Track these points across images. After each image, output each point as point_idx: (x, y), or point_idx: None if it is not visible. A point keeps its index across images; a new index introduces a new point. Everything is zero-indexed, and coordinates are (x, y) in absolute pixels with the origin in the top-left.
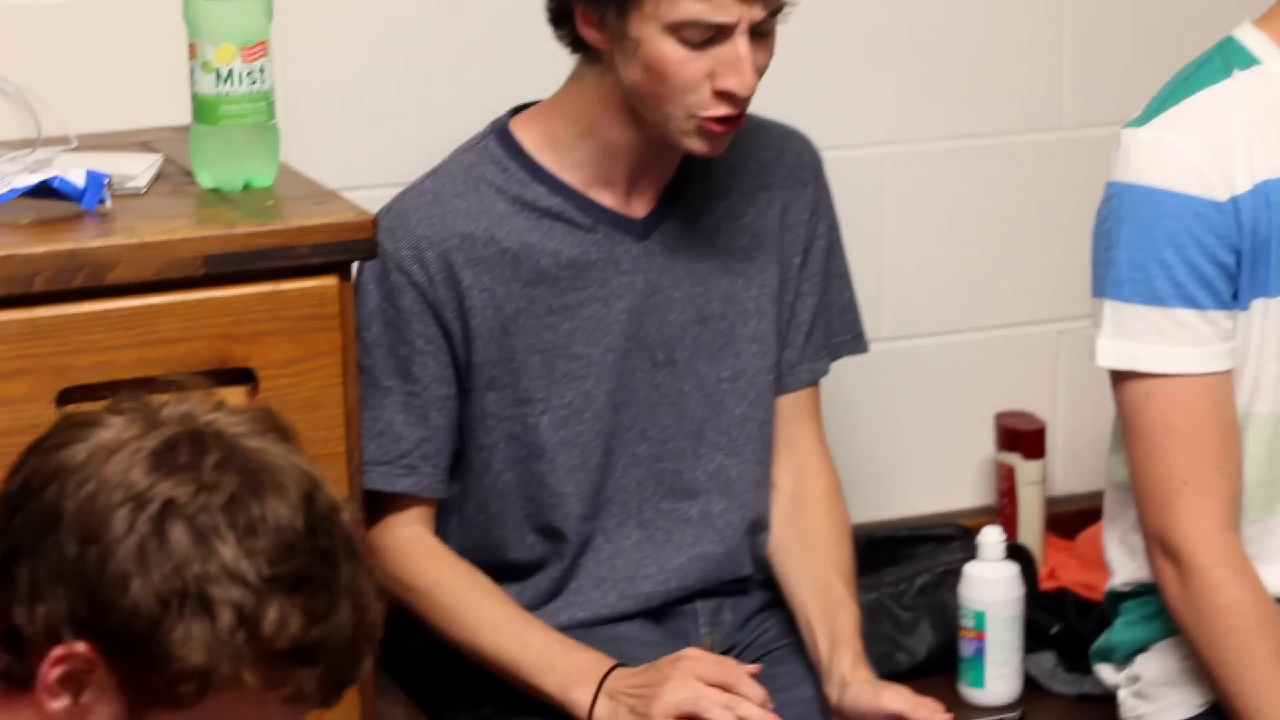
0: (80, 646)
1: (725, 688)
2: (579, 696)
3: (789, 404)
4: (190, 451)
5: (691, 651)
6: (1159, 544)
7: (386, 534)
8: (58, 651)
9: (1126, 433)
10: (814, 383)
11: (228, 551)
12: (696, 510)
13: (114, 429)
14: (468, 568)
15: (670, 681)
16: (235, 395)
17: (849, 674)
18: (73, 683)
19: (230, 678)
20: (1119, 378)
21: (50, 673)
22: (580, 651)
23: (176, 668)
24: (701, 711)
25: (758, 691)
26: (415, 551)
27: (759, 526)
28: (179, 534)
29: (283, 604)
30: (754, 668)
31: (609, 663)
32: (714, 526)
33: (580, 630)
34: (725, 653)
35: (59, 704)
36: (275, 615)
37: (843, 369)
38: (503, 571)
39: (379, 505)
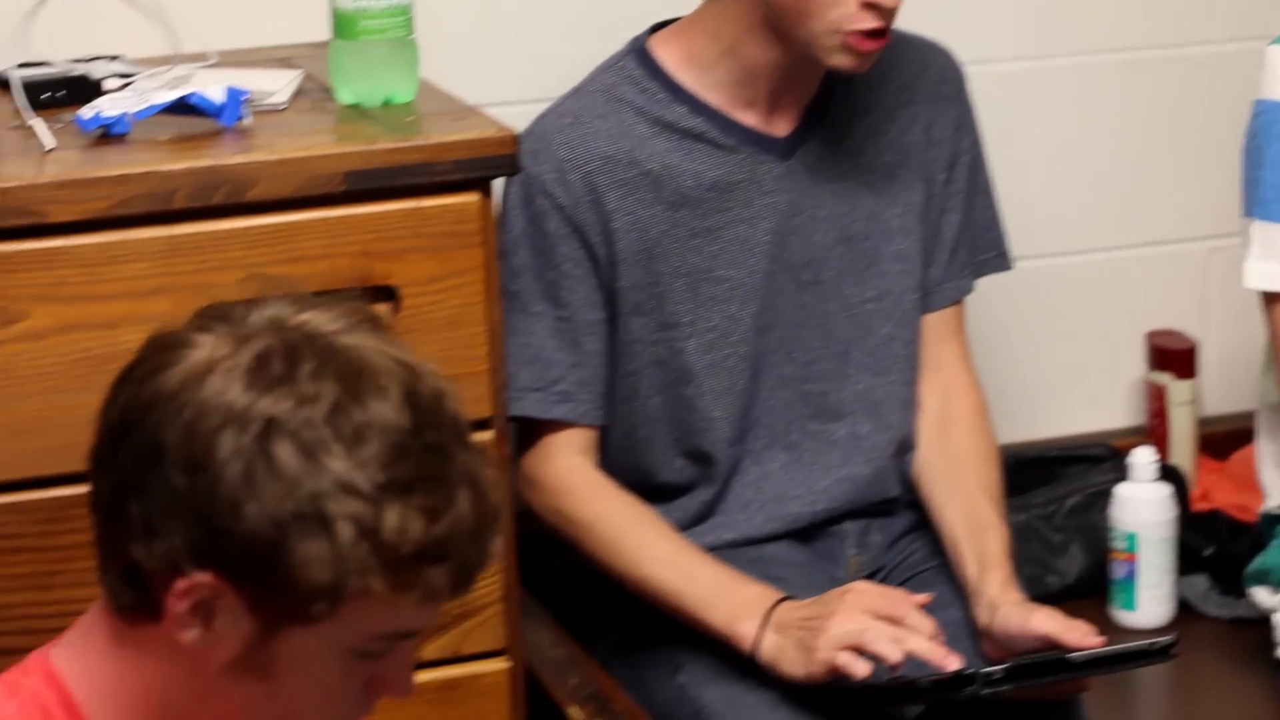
0: (204, 576)
1: (893, 620)
2: (745, 630)
3: (934, 323)
4: (285, 362)
5: (859, 585)
6: None
7: (547, 465)
8: (182, 584)
9: (1278, 356)
10: (958, 301)
11: (338, 464)
12: (843, 432)
13: (204, 349)
14: (630, 500)
15: (837, 615)
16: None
17: (998, 596)
18: (202, 612)
19: (359, 589)
20: (1269, 299)
21: (178, 605)
22: (747, 585)
23: (303, 588)
24: (868, 644)
25: (926, 623)
26: (577, 484)
27: (906, 447)
28: (286, 453)
29: (401, 508)
30: (923, 598)
31: (775, 595)
32: (861, 448)
33: (727, 551)
34: (872, 575)
35: (191, 634)
36: (395, 521)
37: (991, 288)
38: (650, 495)
39: (537, 436)
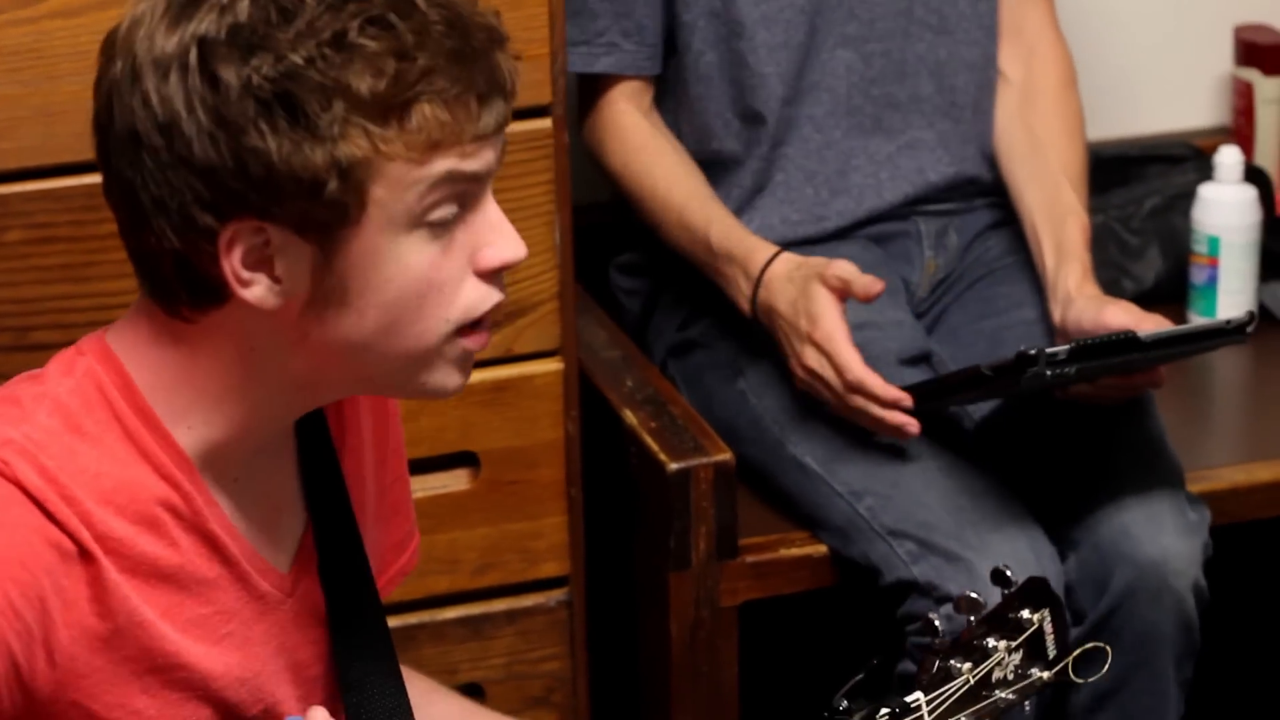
0: (233, 226)
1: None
2: (742, 303)
3: None
4: None
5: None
6: None
7: (600, 118)
8: (223, 244)
9: None
10: None
11: (278, 47)
12: (906, 94)
13: (126, 20)
14: (656, 148)
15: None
16: None
17: (1075, 290)
18: (258, 261)
19: (367, 153)
20: None
21: (234, 266)
22: (740, 247)
23: (308, 178)
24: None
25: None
26: (625, 130)
27: (979, 116)
28: (226, 65)
29: (360, 57)
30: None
31: (761, 261)
32: (923, 111)
33: (803, 248)
34: (945, 279)
35: (260, 290)
36: (359, 71)
37: None
38: (709, 166)
39: (595, 94)
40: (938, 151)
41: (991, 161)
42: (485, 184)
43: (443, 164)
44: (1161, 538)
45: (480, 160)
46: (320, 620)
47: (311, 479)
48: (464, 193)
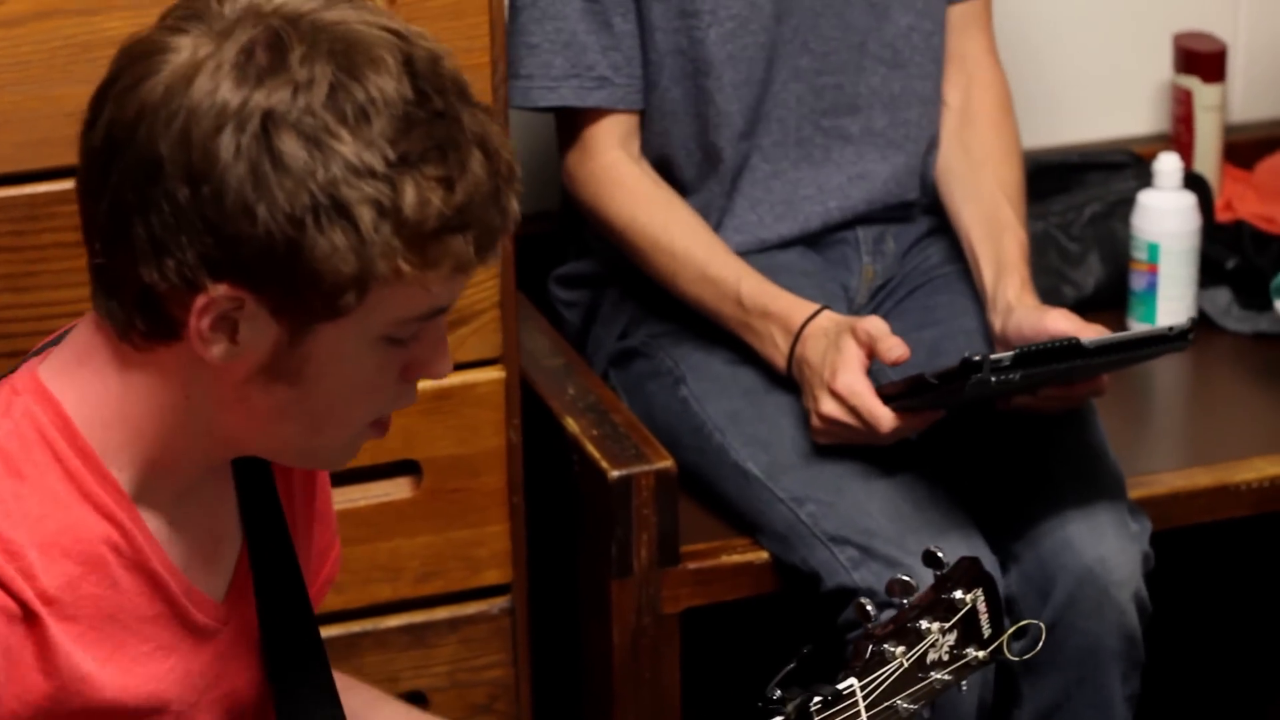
0: (221, 289)
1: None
2: (778, 360)
3: (958, 14)
4: (271, 50)
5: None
6: None
7: (587, 161)
8: (200, 301)
9: None
10: None
11: (346, 148)
12: (858, 127)
13: (185, 50)
14: (667, 199)
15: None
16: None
17: (1015, 299)
18: (225, 324)
19: (387, 273)
20: None
21: (200, 322)
22: (777, 302)
23: (330, 281)
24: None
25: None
26: (613, 182)
27: (927, 148)
28: (290, 144)
29: (417, 181)
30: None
31: (803, 316)
32: (876, 145)
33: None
34: (885, 285)
35: (217, 349)
36: (414, 197)
37: None
38: None
39: (578, 127)
40: (889, 184)
41: (933, 187)
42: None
43: (440, 291)
44: (1102, 548)
45: (458, 289)
46: (254, 646)
47: (247, 501)
48: (436, 312)
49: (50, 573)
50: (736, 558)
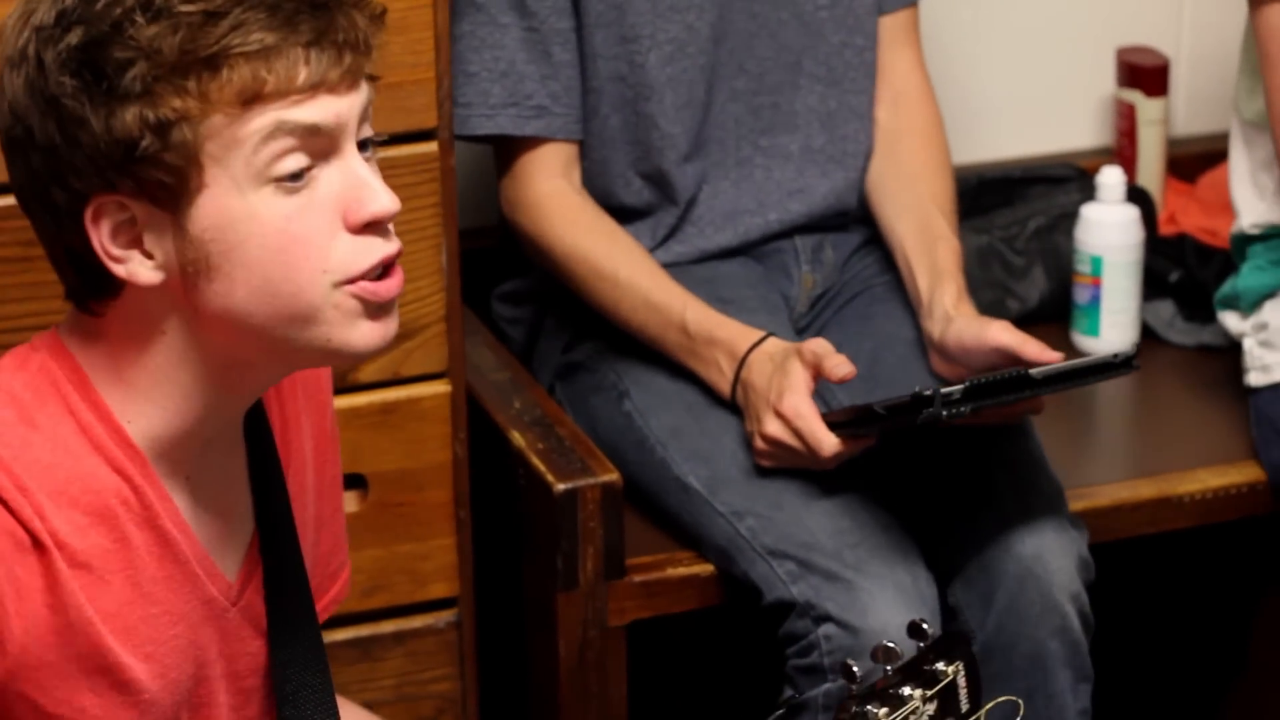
0: (93, 203)
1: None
2: (721, 385)
3: (886, 27)
4: None
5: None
6: None
7: (526, 189)
8: (87, 219)
9: (1264, 62)
10: (914, 3)
11: (92, 18)
12: (796, 145)
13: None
14: (608, 228)
15: (768, 421)
16: None
17: (952, 308)
18: (127, 237)
19: (183, 114)
20: (1256, 2)
21: (101, 243)
22: (721, 330)
23: (134, 144)
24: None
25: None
26: (556, 209)
27: (867, 161)
28: (47, 50)
29: (168, 21)
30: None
31: (747, 344)
32: (815, 161)
33: (679, 269)
34: (823, 294)
35: (133, 265)
36: (167, 33)
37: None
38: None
39: (515, 155)
40: (829, 199)
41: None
42: (339, 138)
43: (267, 116)
44: (1043, 553)
45: (318, 111)
46: (260, 632)
47: (260, 489)
48: (313, 146)
49: (59, 518)
50: (682, 570)
